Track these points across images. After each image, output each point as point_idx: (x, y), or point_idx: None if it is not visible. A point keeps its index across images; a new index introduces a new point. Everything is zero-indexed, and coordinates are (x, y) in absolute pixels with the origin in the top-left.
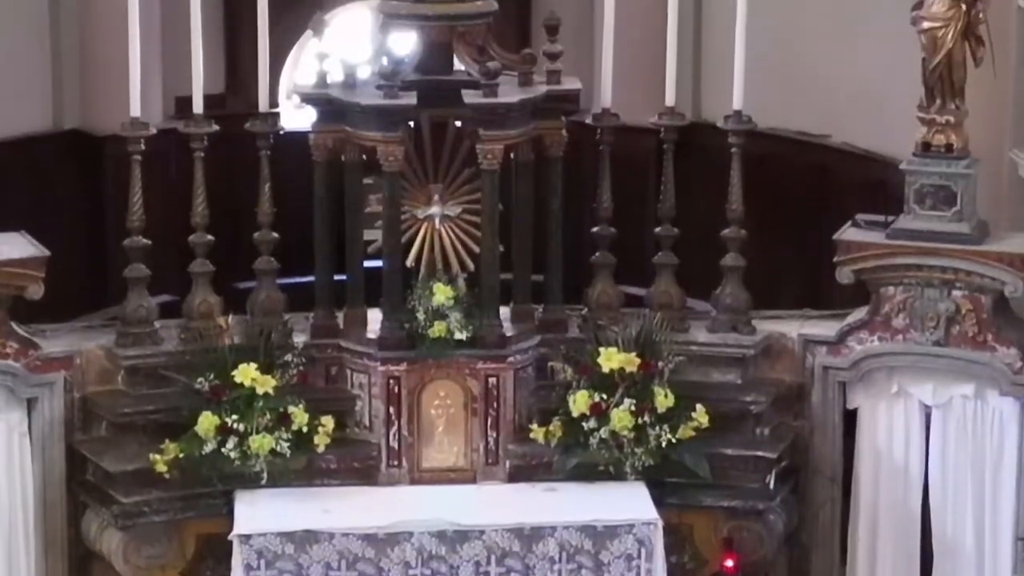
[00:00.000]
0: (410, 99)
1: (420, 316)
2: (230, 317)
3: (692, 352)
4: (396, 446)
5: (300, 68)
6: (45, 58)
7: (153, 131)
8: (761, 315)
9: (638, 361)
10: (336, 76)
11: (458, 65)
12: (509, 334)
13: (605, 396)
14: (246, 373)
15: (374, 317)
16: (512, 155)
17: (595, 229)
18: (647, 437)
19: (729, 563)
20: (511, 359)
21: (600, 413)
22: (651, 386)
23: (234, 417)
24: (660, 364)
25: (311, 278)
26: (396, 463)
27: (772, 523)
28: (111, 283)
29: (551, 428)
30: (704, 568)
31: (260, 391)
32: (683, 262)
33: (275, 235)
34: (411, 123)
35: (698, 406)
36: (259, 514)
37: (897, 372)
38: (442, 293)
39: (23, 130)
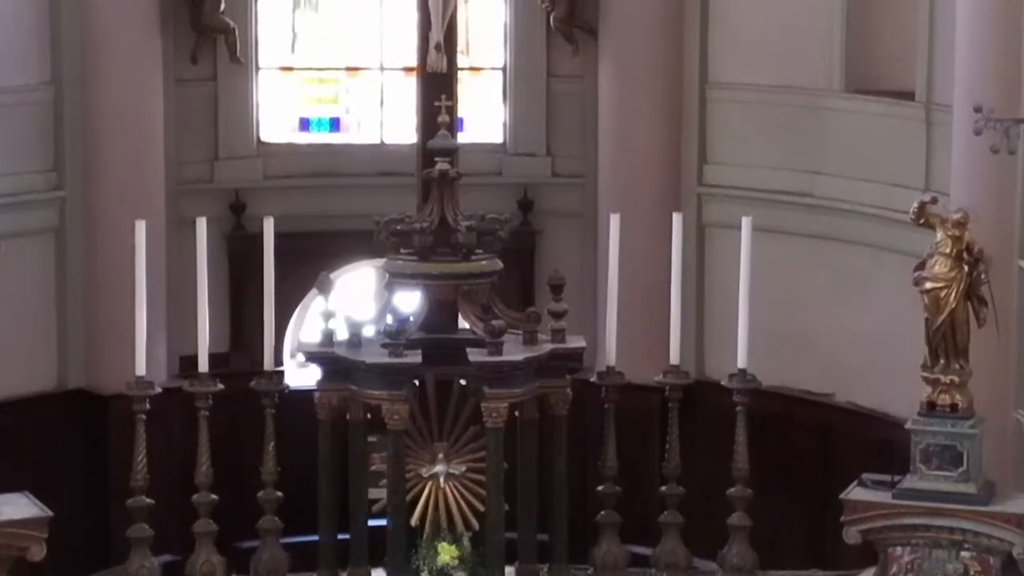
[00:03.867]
0: (415, 357)
1: None
2: None
3: None
4: None
5: (304, 326)
6: (51, 318)
7: (158, 390)
8: (768, 575)
9: None
10: (341, 335)
11: (463, 324)
12: None
13: None
14: None
15: None
16: (517, 413)
17: (600, 488)
18: None
19: None
20: None
21: None
22: None
23: None
24: None
25: (315, 537)
26: None
27: None
28: (113, 543)
29: None
30: None
31: None
32: (688, 520)
33: (279, 494)
34: (416, 381)
35: None
36: None
37: None
38: (447, 553)
39: (28, 390)
